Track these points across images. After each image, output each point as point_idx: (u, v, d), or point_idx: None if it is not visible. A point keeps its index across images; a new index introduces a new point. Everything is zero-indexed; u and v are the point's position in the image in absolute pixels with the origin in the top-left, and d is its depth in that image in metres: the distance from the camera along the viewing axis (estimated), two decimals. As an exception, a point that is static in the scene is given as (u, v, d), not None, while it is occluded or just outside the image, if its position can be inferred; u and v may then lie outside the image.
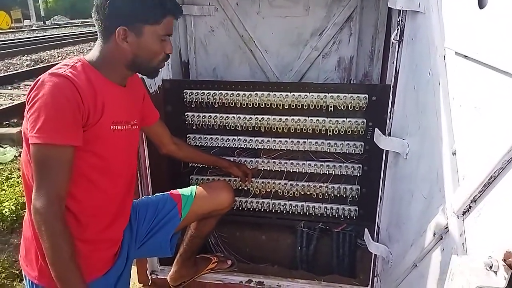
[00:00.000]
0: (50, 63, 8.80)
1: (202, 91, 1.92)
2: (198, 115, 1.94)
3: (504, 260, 0.70)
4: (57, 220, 1.03)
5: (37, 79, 1.07)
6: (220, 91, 1.89)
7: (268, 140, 1.94)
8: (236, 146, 1.96)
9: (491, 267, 0.70)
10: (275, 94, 1.87)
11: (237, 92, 1.88)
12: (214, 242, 2.19)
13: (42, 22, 23.76)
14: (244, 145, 1.95)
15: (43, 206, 1.02)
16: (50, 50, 11.32)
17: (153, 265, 1.97)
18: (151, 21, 1.14)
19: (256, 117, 1.90)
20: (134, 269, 1.98)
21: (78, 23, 23.88)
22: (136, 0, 1.12)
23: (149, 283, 1.98)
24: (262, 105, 1.89)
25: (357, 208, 1.95)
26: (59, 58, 9.96)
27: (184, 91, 1.94)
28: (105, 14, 1.11)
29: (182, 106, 1.94)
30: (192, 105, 1.94)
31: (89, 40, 13.72)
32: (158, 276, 1.97)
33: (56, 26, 21.84)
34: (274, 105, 1.88)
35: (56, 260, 1.03)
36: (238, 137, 1.94)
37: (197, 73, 2.28)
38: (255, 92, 1.88)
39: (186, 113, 1.95)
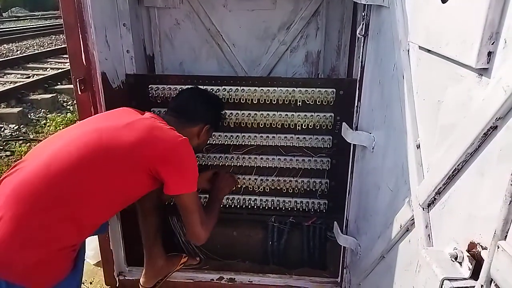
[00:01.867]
0: (8, 57, 8.36)
1: (169, 86, 1.87)
2: (165, 110, 1.89)
3: (468, 251, 0.72)
4: None
5: (176, 139, 1.32)
6: (187, 86, 1.85)
7: (237, 136, 1.91)
8: (204, 142, 1.92)
9: (456, 258, 0.72)
10: (243, 88, 1.84)
11: (205, 86, 1.84)
12: (185, 240, 2.16)
13: (-2, 14, 22.52)
14: (213, 141, 1.92)
15: (207, 236, 1.49)
16: (8, 43, 10.74)
17: (120, 266, 1.91)
18: (217, 126, 1.75)
19: (225, 112, 1.87)
20: (100, 271, 1.92)
21: (38, 15, 22.71)
22: (220, 114, 1.75)
23: (117, 285, 1.93)
24: (230, 100, 1.86)
25: (326, 202, 1.97)
26: (18, 52, 9.48)
27: (150, 86, 1.88)
28: (201, 112, 1.58)
29: (147, 102, 1.88)
30: (158, 101, 1.88)
31: (49, 34, 13.12)
32: (126, 278, 1.91)
33: (14, 19, 20.69)
34: (242, 100, 1.86)
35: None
36: (207, 133, 1.90)
37: (163, 68, 2.21)
38: (223, 87, 1.85)
39: (152, 109, 1.89)
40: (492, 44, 0.70)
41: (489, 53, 0.71)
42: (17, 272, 1.12)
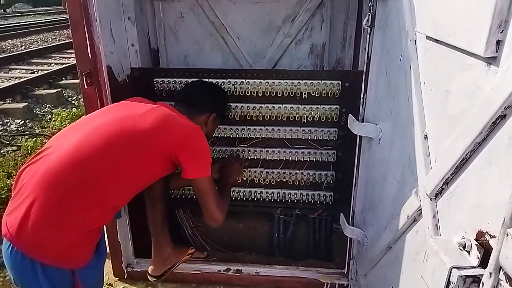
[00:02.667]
0: (13, 53, 8.38)
1: (174, 79, 1.87)
2: (170, 104, 1.89)
3: (477, 240, 0.72)
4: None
5: (191, 127, 1.41)
6: (192, 79, 1.85)
7: (242, 129, 1.92)
8: (210, 135, 1.92)
9: (464, 247, 0.72)
10: (248, 81, 1.85)
11: (210, 80, 1.85)
12: (191, 232, 2.17)
13: (2, 10, 22.52)
14: (219, 134, 1.92)
15: (223, 218, 1.53)
16: (12, 39, 10.74)
17: (128, 258, 1.93)
18: (223, 119, 1.79)
19: (230, 105, 1.87)
20: (108, 263, 1.94)
21: (41, 11, 22.68)
22: (225, 103, 1.82)
23: (125, 277, 1.95)
24: (235, 93, 1.86)
25: (332, 194, 1.97)
26: (22, 47, 9.49)
27: (155, 79, 1.88)
28: (207, 101, 1.64)
29: (152, 95, 1.88)
30: (163, 94, 1.89)
31: (53, 29, 13.12)
32: (134, 269, 1.94)
33: (18, 14, 20.70)
34: (248, 93, 1.86)
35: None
36: (212, 126, 1.91)
37: (168, 61, 2.21)
38: (228, 80, 1.85)
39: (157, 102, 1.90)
40: (501, 32, 0.69)
41: (498, 42, 0.70)
42: (51, 254, 1.18)
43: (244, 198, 2.02)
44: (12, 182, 3.03)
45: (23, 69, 7.13)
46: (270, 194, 2.01)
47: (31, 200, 1.16)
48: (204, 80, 1.84)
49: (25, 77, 6.15)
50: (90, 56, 1.58)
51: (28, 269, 1.17)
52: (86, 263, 1.26)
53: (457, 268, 0.69)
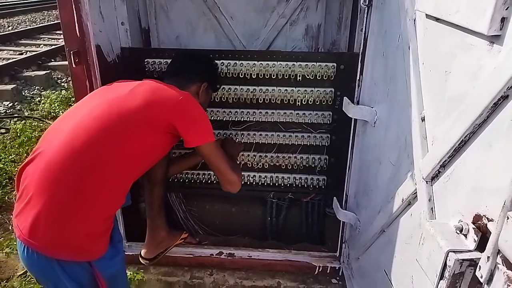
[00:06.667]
0: (0, 34, 8.15)
1: (165, 60, 1.82)
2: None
3: (474, 223, 0.71)
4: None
5: (180, 94, 1.35)
6: (184, 60, 1.80)
7: (236, 111, 1.89)
8: (202, 117, 1.89)
9: (461, 231, 0.71)
10: (242, 63, 1.80)
11: (203, 61, 1.80)
12: (184, 216, 2.16)
13: (-12, -11, 21.86)
14: (211, 116, 1.89)
15: (240, 180, 1.53)
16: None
17: (119, 242, 1.91)
18: (215, 90, 1.73)
19: (223, 87, 1.84)
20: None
21: (29, -10, 22.12)
22: (215, 71, 1.72)
23: (116, 260, 1.93)
24: (229, 74, 1.82)
25: (325, 178, 1.96)
26: (10, 28, 9.25)
27: (146, 60, 1.83)
28: (197, 69, 1.57)
29: (143, 76, 1.81)
30: (155, 75, 1.84)
31: (42, 9, 12.76)
32: (126, 253, 1.91)
33: (4, -7, 20.14)
34: (241, 75, 1.82)
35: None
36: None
37: (159, 41, 2.15)
38: (221, 61, 1.81)
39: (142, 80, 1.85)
40: (507, 9, 0.67)
41: (503, 19, 0.67)
42: (67, 250, 1.16)
43: (237, 182, 2.00)
44: (1, 165, 2.99)
45: (10, 50, 6.95)
46: (263, 178, 1.99)
47: (38, 198, 1.13)
48: (190, 49, 1.75)
49: (13, 58, 6.00)
50: (78, 34, 1.52)
51: (47, 268, 1.16)
52: (103, 254, 1.23)
53: (454, 251, 0.68)
